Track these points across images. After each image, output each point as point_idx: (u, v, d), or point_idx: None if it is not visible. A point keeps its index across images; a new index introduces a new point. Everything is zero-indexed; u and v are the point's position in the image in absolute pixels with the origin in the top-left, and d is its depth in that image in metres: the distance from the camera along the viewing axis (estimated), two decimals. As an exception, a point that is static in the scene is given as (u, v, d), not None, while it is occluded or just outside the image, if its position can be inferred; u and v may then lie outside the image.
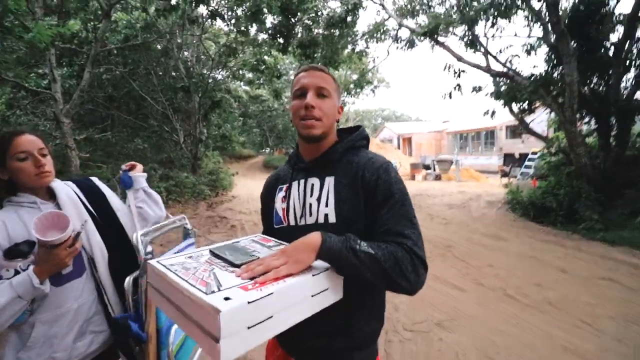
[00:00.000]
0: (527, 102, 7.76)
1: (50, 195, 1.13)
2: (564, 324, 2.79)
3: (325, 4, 7.58)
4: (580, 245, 4.96)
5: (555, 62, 7.02)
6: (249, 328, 0.57)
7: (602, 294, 3.32)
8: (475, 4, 7.94)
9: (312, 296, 0.70)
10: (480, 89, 8.34)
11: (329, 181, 0.89)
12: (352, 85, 11.50)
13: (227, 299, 0.56)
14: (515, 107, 8.26)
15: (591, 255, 4.48)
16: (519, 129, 8.77)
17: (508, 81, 7.82)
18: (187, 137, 11.07)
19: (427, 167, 15.62)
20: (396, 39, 8.96)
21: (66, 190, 1.16)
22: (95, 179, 1.34)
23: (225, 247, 0.84)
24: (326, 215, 0.86)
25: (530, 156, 11.82)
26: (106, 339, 1.15)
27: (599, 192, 5.93)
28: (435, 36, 6.91)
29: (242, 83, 14.85)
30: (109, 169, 7.54)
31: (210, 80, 10.66)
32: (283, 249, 0.73)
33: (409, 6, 8.33)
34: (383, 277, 0.73)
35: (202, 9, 8.27)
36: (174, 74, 10.92)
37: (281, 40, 8.23)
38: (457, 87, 8.04)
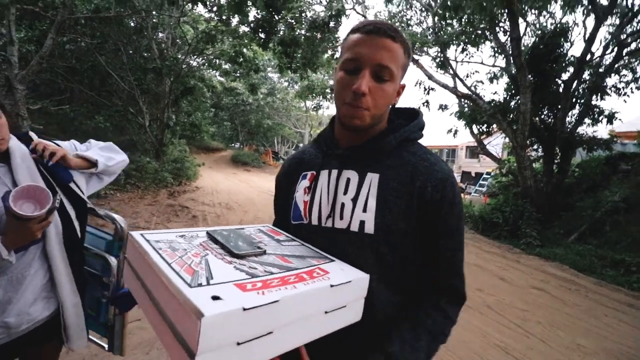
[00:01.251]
0: (485, 124, 8.40)
1: (3, 156, 1.01)
2: (499, 325, 3.09)
3: (310, 6, 7.72)
4: (519, 258, 5.45)
5: (513, 92, 7.69)
6: (238, 344, 0.43)
7: (533, 301, 3.70)
8: (449, 29, 8.48)
9: (326, 313, 0.55)
10: (446, 107, 8.89)
11: (372, 179, 0.70)
12: (328, 90, 11.71)
13: (215, 298, 0.42)
14: (475, 128, 8.90)
15: (527, 267, 4.95)
16: (478, 150, 9.44)
17: (471, 104, 8.42)
18: (154, 121, 10.61)
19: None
20: (374, 51, 9.23)
21: (22, 151, 1.05)
22: (33, 135, 1.14)
23: (226, 231, 0.70)
24: (362, 223, 0.68)
25: (484, 175, 12.72)
26: (57, 306, 1.12)
27: (540, 213, 6.55)
28: (411, 53, 7.35)
29: (217, 73, 14.53)
30: (64, 144, 7.05)
31: (184, 66, 10.35)
32: None
33: (389, 22, 8.68)
34: None
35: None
36: (145, 54, 10.44)
37: (262, 36, 8.22)
38: (425, 103, 8.50)
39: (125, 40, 9.63)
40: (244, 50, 9.99)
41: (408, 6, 8.39)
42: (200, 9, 9.45)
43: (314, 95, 12.11)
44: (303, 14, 7.44)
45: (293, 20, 7.50)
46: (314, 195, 0.75)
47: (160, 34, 11.10)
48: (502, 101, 7.77)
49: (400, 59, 0.67)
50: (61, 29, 6.99)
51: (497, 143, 10.84)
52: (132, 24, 9.86)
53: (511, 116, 7.59)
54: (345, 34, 0.73)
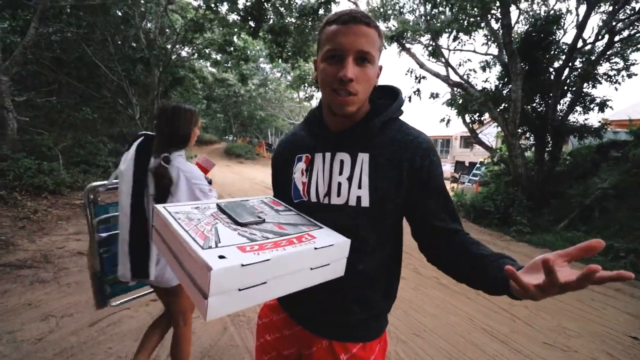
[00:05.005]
0: (477, 113, 8.37)
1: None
2: (486, 309, 3.11)
3: (300, -7, 7.59)
4: (509, 245, 5.50)
5: (505, 80, 7.66)
6: (239, 290, 0.56)
7: (520, 287, 3.74)
8: (442, 17, 8.39)
9: (312, 269, 0.67)
10: (437, 95, 8.84)
11: (363, 158, 0.77)
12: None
13: (221, 257, 0.55)
14: (467, 117, 8.88)
15: (517, 254, 4.99)
16: (471, 139, 9.44)
17: (463, 92, 8.39)
18: (144, 113, 10.46)
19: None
20: (366, 39, 9.12)
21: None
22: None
23: (233, 203, 0.81)
24: (359, 198, 0.76)
25: (477, 165, 12.76)
26: None
27: (530, 200, 6.60)
28: (402, 41, 7.24)
29: (208, 63, 14.30)
30: (52, 137, 6.94)
31: (174, 56, 10.16)
32: None
33: (381, 9, 8.58)
34: None
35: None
36: (133, 44, 10.23)
37: (252, 24, 8.07)
38: (416, 92, 8.45)
39: (112, 30, 9.42)
40: (234, 39, 9.82)
41: (400, -7, 8.29)
42: (188, -4, 9.21)
43: (306, 85, 11.98)
44: (292, 1, 7.30)
45: (282, 8, 7.36)
46: (310, 177, 0.83)
47: (149, 24, 10.87)
48: (493, 89, 7.74)
49: (377, 42, 0.73)
50: (45, 18, 6.81)
51: (489, 132, 10.86)
52: (119, 13, 9.63)
53: (503, 105, 7.57)
54: (318, 27, 0.80)
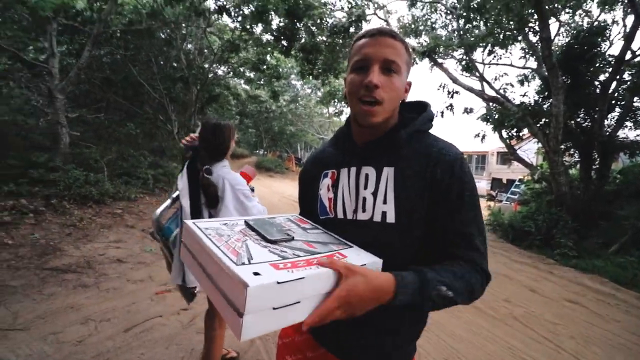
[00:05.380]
0: (514, 128, 8.03)
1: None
2: (527, 338, 2.88)
3: (332, 12, 7.79)
4: (552, 269, 5.11)
5: (545, 94, 7.31)
6: (274, 309, 0.54)
7: (566, 315, 3.44)
8: (476, 31, 8.23)
9: None
10: (471, 110, 8.59)
11: (388, 173, 0.75)
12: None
13: (256, 274, 0.53)
14: (505, 133, 8.53)
15: (561, 279, 4.63)
16: (508, 155, 9.02)
17: (499, 107, 8.10)
18: (182, 128, 11.04)
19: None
20: (397, 55, 9.11)
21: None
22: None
23: (261, 220, 0.80)
24: (384, 214, 0.74)
25: (516, 183, 12.14)
26: None
27: (576, 221, 6.13)
28: (434, 56, 7.15)
29: (242, 81, 14.92)
30: (99, 150, 7.47)
31: (210, 75, 10.71)
32: (346, 297, 0.59)
33: (412, 25, 8.59)
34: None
35: (210, 3, 8.39)
36: (174, 64, 10.94)
37: (285, 43, 8.36)
38: (449, 107, 8.26)
39: (156, 51, 10.14)
40: (267, 57, 10.21)
41: (432, 9, 8.24)
42: (225, 19, 9.79)
43: (336, 101, 12.09)
44: (324, 21, 7.50)
45: (314, 27, 7.58)
46: (337, 192, 0.82)
47: (189, 45, 11.59)
48: (532, 103, 7.39)
49: (404, 55, 0.74)
50: (97, 42, 7.45)
51: (529, 148, 10.33)
52: (163, 36, 10.37)
53: (543, 120, 7.20)
54: (348, 44, 0.83)
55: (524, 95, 7.85)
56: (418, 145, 0.76)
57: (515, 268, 5.01)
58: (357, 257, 0.69)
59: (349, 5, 8.09)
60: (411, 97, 0.84)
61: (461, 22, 8.14)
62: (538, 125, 7.06)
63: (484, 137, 8.87)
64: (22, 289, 2.95)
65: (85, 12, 7.43)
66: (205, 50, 11.76)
